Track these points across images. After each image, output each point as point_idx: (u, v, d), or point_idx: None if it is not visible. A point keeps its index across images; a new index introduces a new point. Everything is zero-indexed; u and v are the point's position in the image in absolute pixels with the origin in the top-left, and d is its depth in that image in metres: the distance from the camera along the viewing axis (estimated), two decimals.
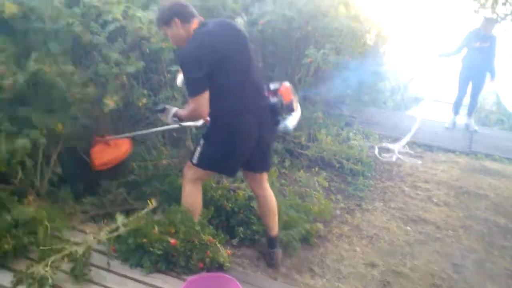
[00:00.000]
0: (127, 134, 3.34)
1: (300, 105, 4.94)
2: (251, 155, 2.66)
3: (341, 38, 4.50)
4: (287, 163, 4.54)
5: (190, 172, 2.71)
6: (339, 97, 6.21)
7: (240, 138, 2.56)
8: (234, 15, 4.81)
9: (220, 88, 2.43)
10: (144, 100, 3.40)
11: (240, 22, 5.18)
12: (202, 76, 2.34)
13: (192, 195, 2.75)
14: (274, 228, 2.94)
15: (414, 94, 8.41)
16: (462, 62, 6.28)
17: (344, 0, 4.87)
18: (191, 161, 2.68)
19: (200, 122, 2.88)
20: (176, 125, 2.89)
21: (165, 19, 2.51)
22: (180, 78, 2.88)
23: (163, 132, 3.54)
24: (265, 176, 2.88)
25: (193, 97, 2.39)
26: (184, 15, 2.48)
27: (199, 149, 2.63)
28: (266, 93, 2.72)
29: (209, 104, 2.41)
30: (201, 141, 2.64)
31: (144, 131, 3.37)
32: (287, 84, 2.80)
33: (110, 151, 3.22)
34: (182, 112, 2.63)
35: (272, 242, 2.97)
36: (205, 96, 2.37)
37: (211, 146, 2.61)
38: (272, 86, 2.79)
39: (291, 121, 2.79)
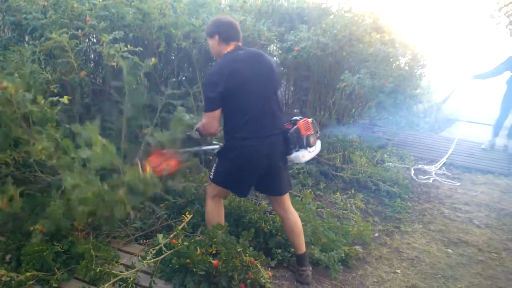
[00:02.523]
0: (180, 150, 3.50)
1: (334, 127, 5.06)
2: (264, 178, 2.78)
3: (376, 63, 4.57)
4: (322, 185, 4.59)
5: (210, 188, 2.89)
6: (373, 119, 6.27)
7: (248, 161, 2.70)
8: (268, 43, 4.99)
9: (234, 111, 2.64)
10: None
11: (273, 49, 5.36)
12: (216, 97, 2.58)
13: (211, 211, 2.89)
14: (301, 246, 2.99)
15: (447, 115, 8.32)
16: (507, 84, 6.23)
17: (378, 26, 4.97)
18: (209, 177, 2.86)
19: (217, 146, 3.04)
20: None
21: (209, 32, 2.82)
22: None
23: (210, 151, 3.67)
24: (285, 198, 2.94)
25: (206, 113, 2.64)
26: (225, 35, 2.75)
27: (214, 165, 2.83)
28: (282, 124, 2.83)
29: (224, 124, 2.66)
30: (217, 158, 2.83)
31: (195, 148, 3.50)
32: (308, 119, 2.89)
33: (163, 161, 3.37)
34: (198, 126, 2.83)
35: (301, 260, 3.00)
36: (215, 114, 2.61)
37: (223, 164, 2.79)
38: (294, 118, 2.90)
39: (305, 154, 2.82)
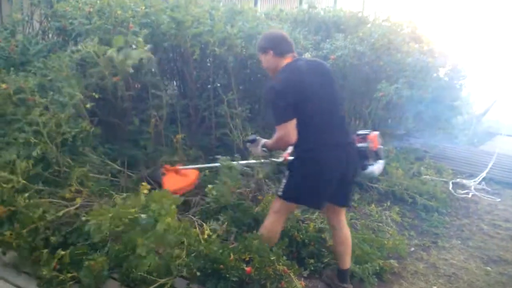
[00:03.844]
0: (196, 166, 3.54)
1: None
2: (336, 189, 2.69)
3: (414, 73, 4.49)
4: (356, 196, 4.50)
5: (276, 204, 2.77)
6: (411, 131, 6.14)
7: (325, 172, 2.61)
8: (304, 51, 4.99)
9: (304, 121, 2.53)
10: None
11: (308, 57, 5.35)
12: (288, 105, 2.48)
13: (272, 225, 2.80)
14: (347, 262, 2.91)
15: (487, 128, 8.06)
16: None
17: (416, 35, 4.89)
18: (277, 193, 2.75)
19: (281, 159, 2.95)
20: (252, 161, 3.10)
21: (262, 47, 2.76)
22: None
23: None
24: (344, 210, 2.90)
25: (280, 125, 2.52)
26: (279, 49, 2.69)
27: (284, 180, 2.70)
28: (350, 133, 2.78)
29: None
30: (287, 173, 2.71)
31: (212, 165, 3.53)
32: (376, 132, 2.86)
33: (179, 180, 3.42)
34: (270, 141, 2.76)
35: (343, 275, 2.92)
36: (292, 123, 2.49)
37: (296, 179, 2.66)
38: (362, 132, 2.86)
39: (376, 167, 2.83)
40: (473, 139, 7.40)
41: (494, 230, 4.19)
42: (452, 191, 4.95)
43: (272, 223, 2.80)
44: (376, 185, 4.61)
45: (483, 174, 5.49)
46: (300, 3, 9.42)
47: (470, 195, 4.95)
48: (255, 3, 8.74)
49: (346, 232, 2.89)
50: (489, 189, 5.21)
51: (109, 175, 3.46)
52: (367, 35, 4.81)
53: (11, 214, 2.63)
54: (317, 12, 5.92)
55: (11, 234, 2.55)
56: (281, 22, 5.43)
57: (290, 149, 2.82)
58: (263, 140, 2.84)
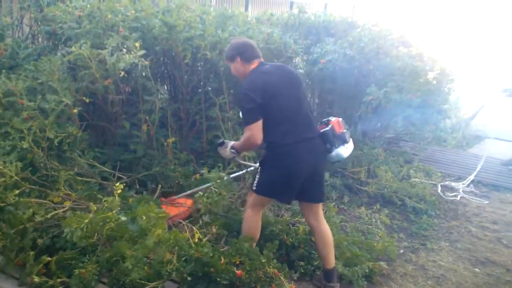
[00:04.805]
0: (189, 192, 3.62)
1: (360, 141, 5.02)
2: (306, 184, 2.79)
3: (403, 77, 4.53)
4: (346, 199, 4.54)
5: (250, 199, 2.90)
6: (400, 134, 6.18)
7: (293, 166, 2.73)
8: (295, 56, 5.02)
9: (272, 120, 2.68)
10: None
11: (299, 61, 5.39)
12: (255, 107, 2.63)
13: (250, 221, 2.91)
14: (331, 261, 2.94)
15: (475, 132, 8.13)
16: None
17: (405, 40, 4.94)
18: (251, 188, 2.88)
19: (257, 164, 3.07)
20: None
21: (229, 56, 2.92)
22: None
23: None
24: (320, 207, 2.96)
25: (247, 126, 2.67)
26: (246, 56, 2.85)
27: (257, 176, 2.83)
28: (317, 127, 2.89)
29: (263, 135, 2.65)
30: (259, 169, 2.84)
31: (201, 187, 3.60)
32: (339, 118, 2.98)
33: (175, 209, 3.50)
34: (238, 143, 2.88)
35: (329, 275, 2.95)
36: (258, 124, 2.64)
37: (267, 174, 2.80)
38: (324, 119, 2.98)
39: (344, 150, 2.91)
40: (461, 142, 7.46)
41: (482, 232, 4.23)
42: (441, 193, 4.99)
43: (250, 220, 2.90)
44: (365, 188, 4.64)
45: (472, 177, 5.54)
46: (291, 7, 9.46)
47: (458, 198, 4.99)
48: (246, 8, 8.77)
49: (326, 230, 2.93)
50: (477, 192, 5.26)
51: (99, 178, 3.46)
52: (356, 39, 4.85)
53: None
54: (308, 17, 5.96)
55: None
56: (271, 26, 5.45)
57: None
58: (232, 142, 2.96)
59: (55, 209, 2.85)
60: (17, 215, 2.60)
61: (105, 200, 2.66)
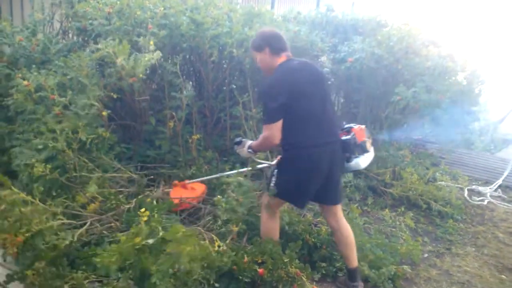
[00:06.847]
0: (202, 178, 3.60)
1: (386, 142, 4.94)
2: (322, 188, 2.74)
3: (433, 77, 4.44)
4: (369, 200, 4.49)
5: (265, 200, 2.87)
6: (427, 136, 6.07)
7: (310, 170, 2.67)
8: (321, 54, 4.97)
9: (295, 120, 2.59)
10: None
11: (325, 60, 5.34)
12: (278, 107, 2.54)
13: (267, 222, 2.89)
14: (353, 260, 2.91)
15: (504, 135, 7.92)
16: None
17: (436, 39, 4.84)
18: (267, 189, 2.85)
19: (274, 162, 3.01)
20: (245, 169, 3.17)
21: (257, 45, 2.79)
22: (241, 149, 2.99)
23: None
24: (339, 208, 2.91)
25: (267, 125, 2.59)
26: (275, 47, 2.73)
27: (273, 178, 2.78)
28: (339, 131, 2.84)
29: (284, 136, 2.58)
30: (275, 171, 2.78)
31: (217, 175, 3.57)
32: (362, 126, 2.89)
33: (186, 193, 3.47)
34: (255, 142, 2.82)
35: (352, 274, 2.91)
36: (278, 125, 2.55)
37: (283, 176, 2.74)
38: (347, 125, 2.91)
39: (363, 160, 2.84)
40: (489, 145, 7.29)
41: (510, 238, 4.13)
42: (468, 197, 4.89)
43: (267, 221, 2.89)
44: (390, 190, 4.58)
45: (499, 181, 5.42)
46: (318, 5, 9.38)
47: (485, 202, 4.88)
48: (272, 6, 8.75)
49: (346, 230, 2.89)
50: (505, 197, 5.13)
51: (126, 178, 3.46)
52: (385, 38, 4.77)
53: (25, 240, 2.37)
54: (335, 15, 5.90)
55: (33, 274, 2.31)
56: (298, 24, 5.41)
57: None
58: (249, 142, 2.90)
59: (78, 220, 2.76)
60: (44, 250, 2.41)
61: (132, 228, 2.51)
